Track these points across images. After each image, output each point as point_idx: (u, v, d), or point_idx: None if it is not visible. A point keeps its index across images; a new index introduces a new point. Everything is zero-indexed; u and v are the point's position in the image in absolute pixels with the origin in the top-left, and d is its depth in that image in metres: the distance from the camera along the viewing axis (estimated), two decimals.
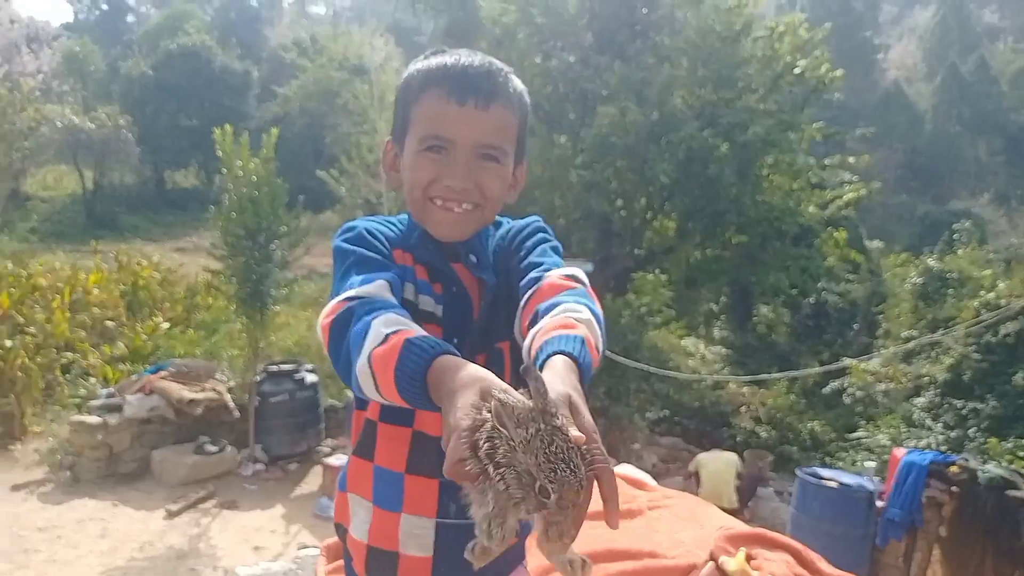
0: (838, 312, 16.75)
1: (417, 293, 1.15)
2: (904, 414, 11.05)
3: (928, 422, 10.62)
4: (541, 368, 0.88)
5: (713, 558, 2.74)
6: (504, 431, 0.73)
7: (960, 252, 13.50)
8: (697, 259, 13.16)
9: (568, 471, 0.72)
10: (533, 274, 1.13)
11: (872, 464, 6.69)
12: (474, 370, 0.83)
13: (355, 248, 1.13)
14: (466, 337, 1.15)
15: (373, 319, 0.96)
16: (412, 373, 0.87)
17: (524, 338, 1.03)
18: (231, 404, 7.58)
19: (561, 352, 0.90)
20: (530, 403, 0.76)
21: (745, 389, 12.72)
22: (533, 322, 1.03)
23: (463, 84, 1.10)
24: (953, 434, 10.11)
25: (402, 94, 1.18)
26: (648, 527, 3.27)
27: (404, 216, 1.24)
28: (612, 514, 0.76)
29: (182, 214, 23.75)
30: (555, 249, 1.22)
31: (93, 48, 30.43)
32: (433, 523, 1.15)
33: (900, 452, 6.09)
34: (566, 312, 1.00)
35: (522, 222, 1.27)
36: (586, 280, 1.13)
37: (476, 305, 1.17)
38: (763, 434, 11.37)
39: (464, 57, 1.13)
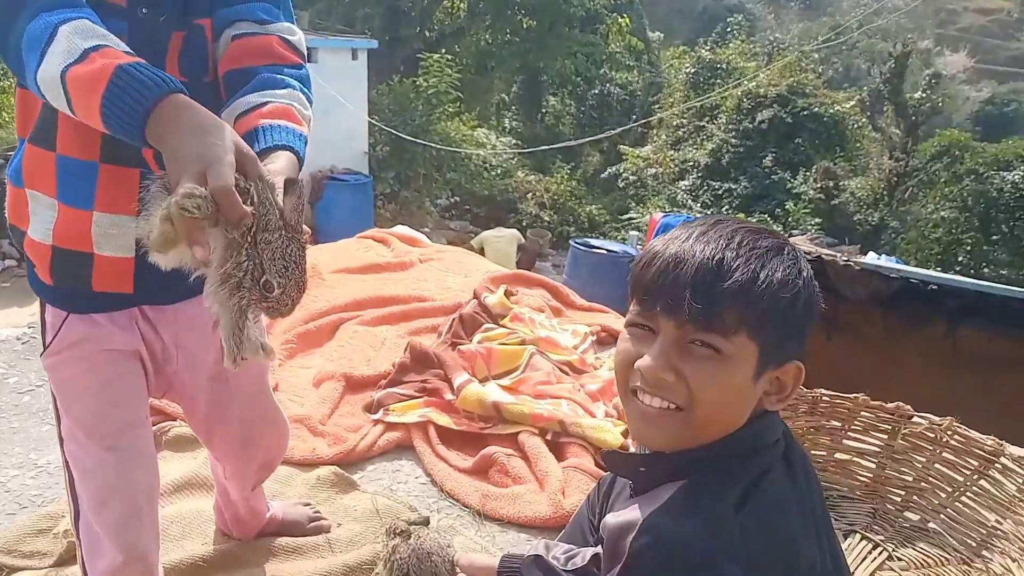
0: (619, 103, 17.47)
1: None
2: (670, 196, 12.08)
3: (689, 202, 11.71)
4: (266, 153, 0.91)
5: (476, 296, 2.91)
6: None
7: (731, 44, 14.29)
8: (487, 42, 12.91)
9: (298, 272, 0.83)
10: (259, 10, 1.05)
11: (636, 233, 7.28)
12: (210, 122, 0.81)
13: None
14: (162, 10, 1.01)
15: (58, 23, 0.81)
16: (131, 110, 0.78)
17: (223, 66, 1.04)
18: None
19: (287, 147, 0.93)
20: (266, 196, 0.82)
21: (532, 177, 13.18)
22: (241, 76, 1.01)
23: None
24: (709, 211, 11.25)
25: None
26: (418, 277, 3.38)
27: None
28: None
29: None
30: None
31: None
32: (134, 220, 0.95)
33: (658, 216, 6.65)
34: (293, 100, 1.00)
35: None
36: (304, 50, 1.11)
37: None
38: (546, 218, 11.99)
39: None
